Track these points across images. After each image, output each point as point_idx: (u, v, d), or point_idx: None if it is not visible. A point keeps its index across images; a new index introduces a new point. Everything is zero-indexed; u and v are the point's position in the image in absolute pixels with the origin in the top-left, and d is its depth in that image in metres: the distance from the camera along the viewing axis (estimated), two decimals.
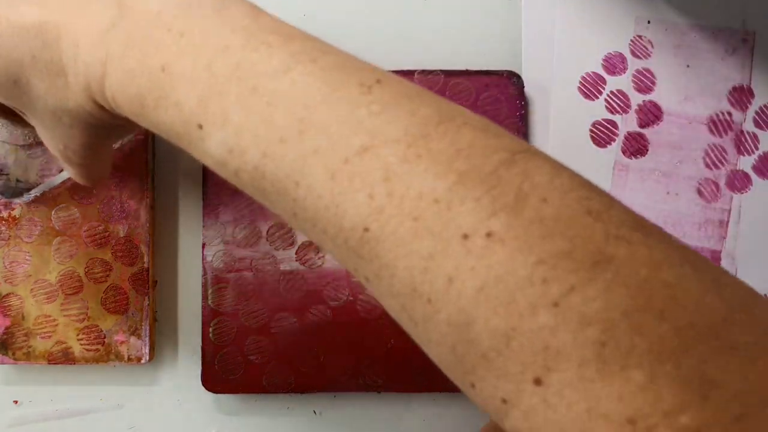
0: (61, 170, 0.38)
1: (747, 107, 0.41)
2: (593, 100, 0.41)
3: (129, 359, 0.39)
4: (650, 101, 0.41)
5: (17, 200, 0.38)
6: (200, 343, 0.39)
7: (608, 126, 0.41)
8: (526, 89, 0.40)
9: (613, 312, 0.17)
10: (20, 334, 0.39)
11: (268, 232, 0.39)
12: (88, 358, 0.39)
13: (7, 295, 0.39)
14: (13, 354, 0.38)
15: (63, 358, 0.38)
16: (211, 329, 0.39)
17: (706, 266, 0.19)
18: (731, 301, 0.18)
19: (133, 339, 0.39)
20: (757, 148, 0.41)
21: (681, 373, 0.17)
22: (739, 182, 0.40)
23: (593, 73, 0.41)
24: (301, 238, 0.39)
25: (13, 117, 0.31)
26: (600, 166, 0.41)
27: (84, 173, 0.30)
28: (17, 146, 0.36)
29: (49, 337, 0.39)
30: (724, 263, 0.40)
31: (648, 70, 0.41)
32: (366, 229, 0.20)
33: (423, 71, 0.40)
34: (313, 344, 0.39)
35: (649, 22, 0.41)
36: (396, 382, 0.39)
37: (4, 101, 0.28)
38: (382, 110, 0.20)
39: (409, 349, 0.40)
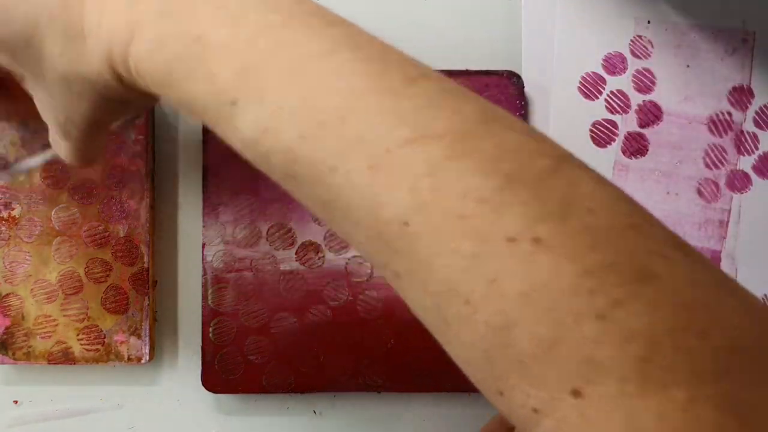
0: (43, 150, 0.34)
1: (747, 107, 0.41)
2: (593, 100, 0.41)
3: (129, 359, 0.39)
4: (650, 101, 0.41)
5: None
6: (200, 343, 0.39)
7: (608, 126, 0.41)
8: (526, 89, 0.40)
9: (658, 329, 0.17)
10: (20, 334, 0.39)
11: (268, 232, 0.39)
12: (88, 358, 0.39)
13: (7, 295, 0.39)
14: (13, 354, 0.38)
15: (63, 358, 0.38)
16: (211, 329, 0.39)
17: (737, 288, 0.19)
18: (764, 325, 0.18)
19: (133, 339, 0.39)
20: (757, 148, 0.41)
21: (720, 396, 0.16)
22: (739, 182, 0.40)
23: (593, 73, 0.41)
24: (301, 238, 0.39)
25: None
26: (600, 166, 0.40)
27: (77, 152, 0.29)
28: None
29: (49, 337, 0.39)
30: (724, 263, 0.40)
31: (648, 70, 0.41)
32: (405, 223, 0.19)
33: None
34: (313, 344, 0.39)
35: (649, 22, 0.41)
36: (396, 382, 0.39)
37: (7, 65, 0.27)
38: (427, 104, 0.20)
39: (409, 349, 0.40)
